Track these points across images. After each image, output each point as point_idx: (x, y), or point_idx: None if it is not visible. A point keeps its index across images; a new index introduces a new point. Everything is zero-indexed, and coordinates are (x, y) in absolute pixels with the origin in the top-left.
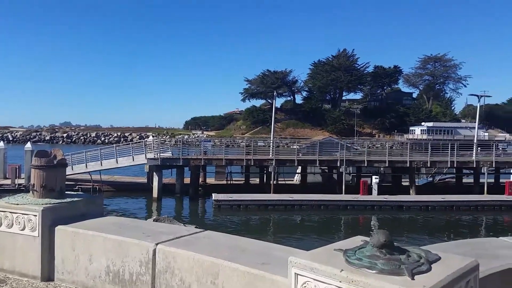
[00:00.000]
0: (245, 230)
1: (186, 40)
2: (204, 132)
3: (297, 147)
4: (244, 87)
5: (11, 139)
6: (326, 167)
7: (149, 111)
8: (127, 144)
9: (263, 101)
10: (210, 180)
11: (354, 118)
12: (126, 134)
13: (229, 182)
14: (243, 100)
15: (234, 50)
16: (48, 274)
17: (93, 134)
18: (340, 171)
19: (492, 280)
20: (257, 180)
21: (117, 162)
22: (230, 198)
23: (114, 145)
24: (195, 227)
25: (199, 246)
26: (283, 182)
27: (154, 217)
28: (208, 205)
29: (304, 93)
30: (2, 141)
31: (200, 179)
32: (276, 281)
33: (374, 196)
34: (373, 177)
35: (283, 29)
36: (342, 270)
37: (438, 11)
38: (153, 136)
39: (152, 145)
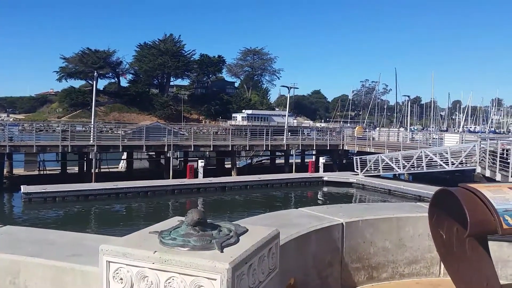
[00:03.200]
0: (61, 223)
1: None
2: (10, 115)
3: (122, 132)
4: (60, 66)
5: None
6: (153, 153)
7: None
8: None
9: (83, 82)
10: (19, 171)
11: (182, 104)
12: None
13: (42, 172)
14: (59, 79)
15: (46, 21)
16: None
17: None
18: (168, 156)
19: (289, 245)
20: (76, 169)
21: None
22: (43, 190)
23: None
24: None
25: None
26: (107, 170)
27: None
28: (16, 199)
29: (130, 76)
30: None
31: (5, 170)
32: (86, 271)
33: (200, 179)
34: (199, 161)
35: (106, 7)
36: (155, 251)
37: (256, 8)
38: None
39: None
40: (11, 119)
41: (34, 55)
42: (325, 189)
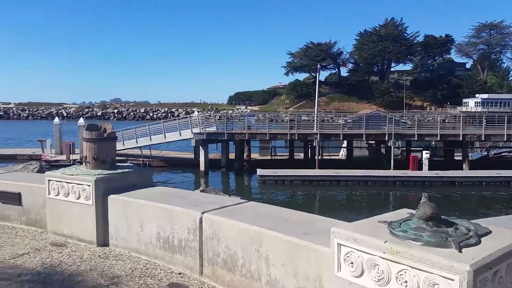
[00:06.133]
0: (289, 204)
1: (229, 15)
2: (248, 107)
3: (342, 121)
4: (287, 61)
5: (65, 115)
6: (373, 142)
7: (194, 87)
8: (174, 119)
9: (306, 75)
10: (255, 155)
11: (404, 91)
12: (173, 110)
13: (273, 157)
14: (286, 74)
15: (277, 23)
16: (103, 239)
17: (142, 110)
18: (389, 145)
19: None
20: (301, 155)
21: (165, 137)
22: (274, 174)
23: (162, 120)
24: (240, 198)
25: (243, 215)
26: (328, 157)
27: (201, 188)
28: (253, 180)
29: (350, 65)
30: (57, 117)
31: (245, 154)
32: (318, 250)
33: (425, 172)
34: (424, 151)
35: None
36: (386, 241)
37: None
38: (198, 112)
39: (198, 120)
40: (249, 110)
41: (267, 53)
42: None
